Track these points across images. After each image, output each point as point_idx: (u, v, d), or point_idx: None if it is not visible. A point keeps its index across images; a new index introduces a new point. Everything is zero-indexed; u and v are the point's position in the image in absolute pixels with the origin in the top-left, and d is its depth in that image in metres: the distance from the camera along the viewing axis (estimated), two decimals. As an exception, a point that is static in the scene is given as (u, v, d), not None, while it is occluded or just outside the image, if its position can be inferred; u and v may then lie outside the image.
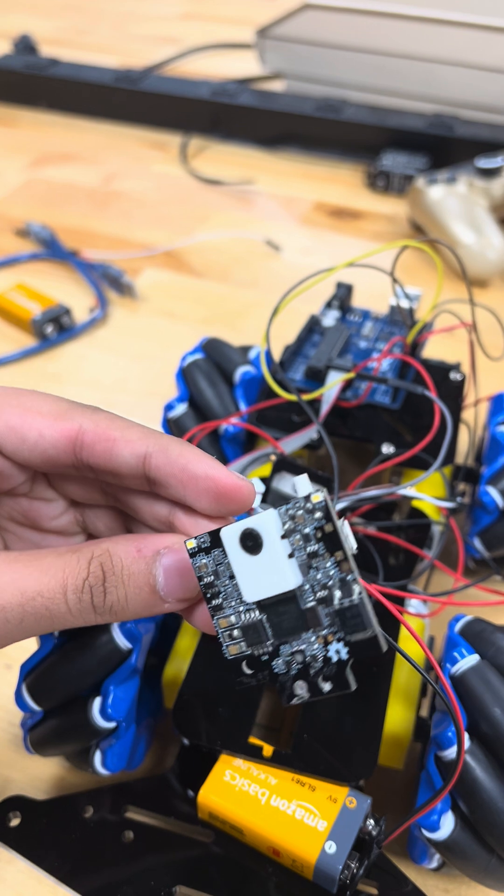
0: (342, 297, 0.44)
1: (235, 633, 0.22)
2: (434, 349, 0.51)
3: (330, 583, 0.21)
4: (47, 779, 0.33)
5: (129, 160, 0.81)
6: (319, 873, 0.26)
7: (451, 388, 0.40)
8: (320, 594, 0.22)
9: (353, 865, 0.26)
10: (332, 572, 0.21)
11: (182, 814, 0.29)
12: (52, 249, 0.66)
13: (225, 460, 0.39)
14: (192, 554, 0.22)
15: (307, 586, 0.22)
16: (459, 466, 0.40)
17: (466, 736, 0.27)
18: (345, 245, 0.69)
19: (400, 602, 0.33)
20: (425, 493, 0.36)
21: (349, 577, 0.21)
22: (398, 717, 0.30)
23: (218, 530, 0.22)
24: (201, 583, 0.22)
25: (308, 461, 0.39)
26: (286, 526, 0.22)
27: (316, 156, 0.81)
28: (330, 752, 0.28)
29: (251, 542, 0.22)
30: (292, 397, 0.36)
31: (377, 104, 0.81)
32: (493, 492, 0.37)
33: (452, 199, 0.64)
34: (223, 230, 0.70)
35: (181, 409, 0.40)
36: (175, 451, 0.23)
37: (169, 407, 0.40)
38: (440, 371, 0.41)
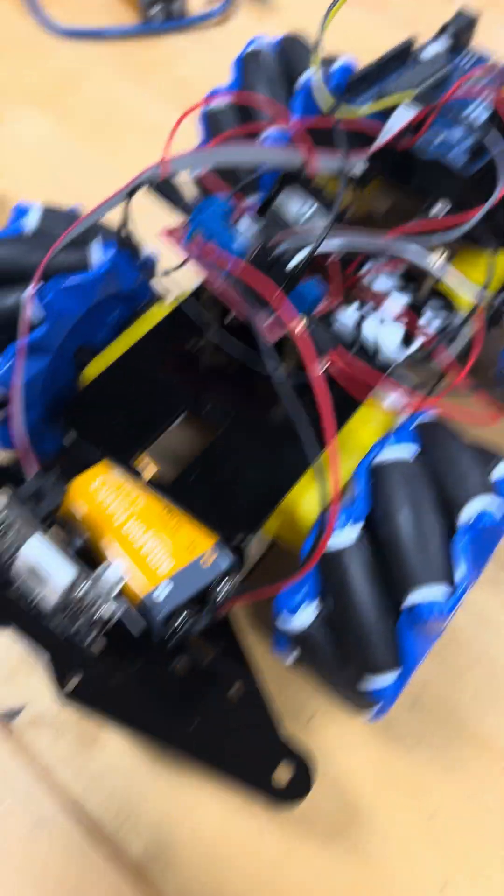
0: (461, 29, 0.34)
1: None
2: None
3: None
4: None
5: None
6: (144, 612, 0.23)
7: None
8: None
9: (183, 617, 0.23)
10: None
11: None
12: None
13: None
14: None
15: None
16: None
17: (358, 526, 0.23)
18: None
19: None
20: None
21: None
22: (314, 498, 0.25)
23: None
24: None
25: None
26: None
27: None
28: (213, 495, 0.25)
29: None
30: (352, 115, 0.28)
31: None
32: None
33: None
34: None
35: (224, 101, 0.33)
36: None
37: (214, 92, 0.33)
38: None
